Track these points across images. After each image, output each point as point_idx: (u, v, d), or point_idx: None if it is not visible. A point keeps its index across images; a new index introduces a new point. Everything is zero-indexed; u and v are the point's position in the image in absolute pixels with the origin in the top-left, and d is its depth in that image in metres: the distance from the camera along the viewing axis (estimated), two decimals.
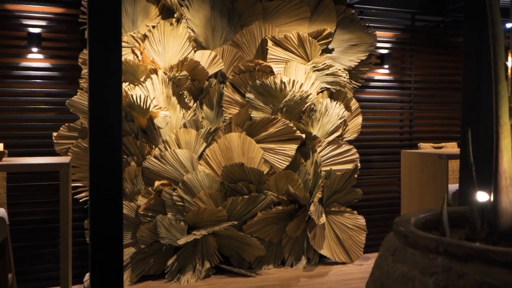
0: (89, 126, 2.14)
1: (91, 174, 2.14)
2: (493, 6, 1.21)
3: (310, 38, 3.91)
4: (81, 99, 3.36)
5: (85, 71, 3.44)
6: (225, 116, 3.76)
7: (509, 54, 1.22)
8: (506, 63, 1.23)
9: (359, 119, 4.14)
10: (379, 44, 4.38)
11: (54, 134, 3.39)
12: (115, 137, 2.09)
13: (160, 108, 3.52)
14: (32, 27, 3.43)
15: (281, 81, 3.75)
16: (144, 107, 3.40)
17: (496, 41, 1.22)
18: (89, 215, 2.20)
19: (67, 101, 3.36)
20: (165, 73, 3.59)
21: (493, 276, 0.96)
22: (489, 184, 1.27)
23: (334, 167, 3.95)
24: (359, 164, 4.03)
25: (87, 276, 3.42)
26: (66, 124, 3.40)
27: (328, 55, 4.05)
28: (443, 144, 4.37)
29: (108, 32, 2.15)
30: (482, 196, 1.33)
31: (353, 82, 4.17)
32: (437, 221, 1.39)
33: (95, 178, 2.14)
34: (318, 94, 3.95)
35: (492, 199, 1.24)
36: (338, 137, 4.01)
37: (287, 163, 3.76)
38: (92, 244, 2.21)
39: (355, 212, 3.99)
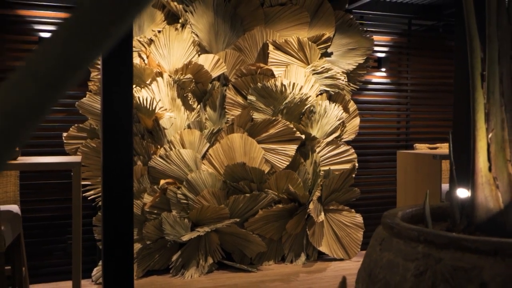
0: (102, 128, 2.28)
1: (104, 174, 2.28)
2: (470, 23, 1.35)
3: (310, 42, 4.05)
4: (90, 101, 3.51)
5: (93, 74, 3.58)
6: (228, 118, 3.90)
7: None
8: (484, 73, 1.38)
9: (357, 121, 4.28)
10: (376, 48, 4.52)
11: (64, 134, 3.53)
12: (127, 139, 2.23)
13: (165, 109, 3.66)
14: (43, 31, 3.57)
15: (282, 84, 3.88)
16: (150, 109, 3.54)
17: (473, 53, 1.37)
18: (102, 212, 2.34)
19: (77, 103, 3.50)
20: (170, 76, 3.74)
21: (465, 261, 1.11)
22: None
23: (332, 167, 4.09)
24: (356, 164, 4.16)
25: (95, 270, 3.56)
26: (76, 125, 3.54)
27: (327, 58, 4.19)
28: (438, 144, 4.51)
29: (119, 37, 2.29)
30: (462, 193, 1.48)
31: (351, 84, 4.31)
32: (422, 215, 1.53)
33: (108, 177, 2.28)
34: (317, 96, 4.09)
35: (470, 195, 1.39)
36: (336, 138, 4.14)
37: (287, 163, 3.90)
38: (104, 240, 2.35)
39: (353, 210, 4.13)
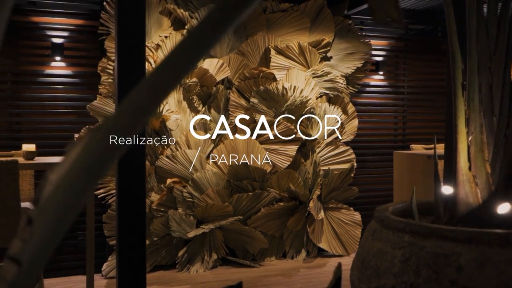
0: None
1: (118, 174, 2.44)
2: (452, 38, 1.52)
3: (310, 47, 4.20)
4: (100, 103, 3.67)
5: (104, 78, 3.74)
6: (231, 119, 4.05)
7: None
8: (464, 83, 1.54)
9: (355, 122, 4.43)
10: (374, 52, 4.67)
11: (76, 135, 3.70)
12: (139, 142, 2.39)
13: (172, 111, 3.82)
14: (56, 37, 3.74)
15: (283, 87, 4.03)
16: (157, 111, 3.70)
17: (455, 65, 1.53)
18: (116, 211, 2.49)
19: (88, 105, 3.66)
20: None
21: (445, 248, 1.28)
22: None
23: (332, 167, 4.24)
24: (355, 164, 4.31)
25: (105, 265, 3.72)
26: (87, 126, 3.70)
27: (327, 62, 4.34)
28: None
29: (133, 43, 2.44)
30: (447, 189, 1.64)
31: (350, 87, 4.46)
32: (411, 210, 1.70)
33: (122, 178, 2.43)
34: (317, 99, 4.24)
35: (453, 191, 1.55)
36: (335, 138, 4.29)
37: (288, 163, 4.05)
38: (118, 236, 2.50)
39: (351, 208, 4.28)
